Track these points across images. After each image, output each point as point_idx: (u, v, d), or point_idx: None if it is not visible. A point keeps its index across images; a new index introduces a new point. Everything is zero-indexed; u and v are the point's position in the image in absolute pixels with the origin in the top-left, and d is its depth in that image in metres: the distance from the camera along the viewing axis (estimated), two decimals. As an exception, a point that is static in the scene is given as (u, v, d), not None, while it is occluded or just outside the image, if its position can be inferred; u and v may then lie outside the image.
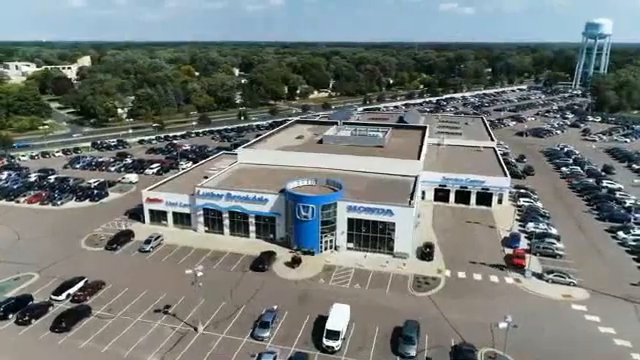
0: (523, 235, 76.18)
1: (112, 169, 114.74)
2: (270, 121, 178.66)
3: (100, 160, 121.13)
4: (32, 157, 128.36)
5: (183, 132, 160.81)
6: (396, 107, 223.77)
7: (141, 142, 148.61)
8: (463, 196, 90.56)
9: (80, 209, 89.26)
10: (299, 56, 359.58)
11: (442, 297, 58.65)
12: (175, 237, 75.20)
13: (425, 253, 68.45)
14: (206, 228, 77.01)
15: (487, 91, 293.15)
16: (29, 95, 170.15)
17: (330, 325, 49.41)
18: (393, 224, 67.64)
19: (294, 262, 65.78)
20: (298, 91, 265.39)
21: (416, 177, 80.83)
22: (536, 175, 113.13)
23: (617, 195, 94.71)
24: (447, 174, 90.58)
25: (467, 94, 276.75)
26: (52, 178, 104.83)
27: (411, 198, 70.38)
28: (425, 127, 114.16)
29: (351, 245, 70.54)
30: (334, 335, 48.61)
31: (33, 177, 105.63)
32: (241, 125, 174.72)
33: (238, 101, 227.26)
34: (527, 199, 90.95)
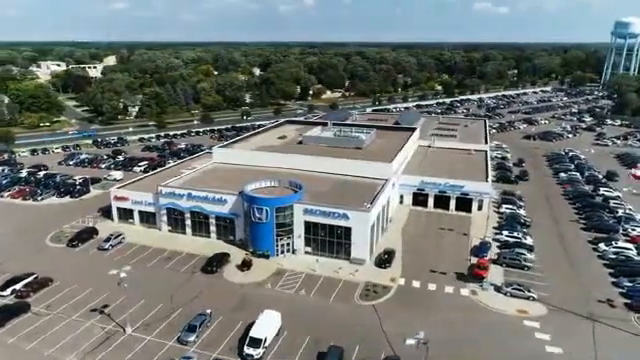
0: (496, 244, 72.40)
1: (102, 166, 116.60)
2: (273, 121, 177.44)
3: (92, 157, 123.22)
4: (33, 153, 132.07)
5: (184, 131, 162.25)
6: (407, 108, 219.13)
7: (141, 140, 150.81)
8: (442, 201, 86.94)
9: (59, 205, 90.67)
10: (321, 56, 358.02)
11: (387, 307, 55.97)
12: (138, 236, 75.10)
13: (383, 260, 65.75)
14: (169, 228, 76.65)
15: (507, 92, 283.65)
16: (41, 93, 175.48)
17: (253, 332, 47.81)
18: (350, 229, 65.35)
19: (244, 265, 64.42)
20: (311, 91, 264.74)
21: (386, 180, 78.05)
22: (531, 180, 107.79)
23: (611, 204, 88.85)
24: (426, 178, 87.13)
25: (484, 95, 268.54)
26: (41, 174, 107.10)
27: (371, 202, 67.66)
28: (414, 129, 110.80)
29: (309, 249, 68.59)
30: (256, 343, 46.93)
31: (24, 173, 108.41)
32: (243, 125, 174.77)
33: (248, 100, 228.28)
34: (510, 206, 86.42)
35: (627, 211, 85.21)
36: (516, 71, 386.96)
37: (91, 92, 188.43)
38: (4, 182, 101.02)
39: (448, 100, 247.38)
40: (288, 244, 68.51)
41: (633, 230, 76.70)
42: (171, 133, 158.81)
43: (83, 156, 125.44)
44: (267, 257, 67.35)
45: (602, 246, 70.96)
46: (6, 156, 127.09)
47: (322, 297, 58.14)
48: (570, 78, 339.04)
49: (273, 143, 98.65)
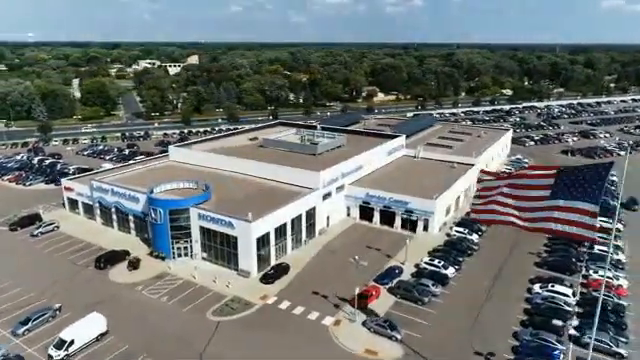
0: (413, 271, 64.27)
1: (106, 158, 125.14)
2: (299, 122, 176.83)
3: (103, 149, 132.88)
4: (64, 142, 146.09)
5: (207, 128, 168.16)
6: (453, 114, 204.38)
7: (165, 135, 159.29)
8: (388, 217, 79.34)
9: (39, 191, 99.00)
10: (397, 57, 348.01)
11: (231, 326, 52.34)
12: (74, 226, 79.10)
13: (269, 275, 61.72)
14: (102, 221, 79.70)
15: (584, 100, 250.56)
16: (94, 89, 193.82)
17: (62, 333, 47.61)
18: (237, 238, 62.38)
19: (130, 265, 64.64)
20: (364, 93, 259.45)
21: (311, 189, 73.28)
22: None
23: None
24: (371, 190, 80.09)
25: (554, 103, 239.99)
26: (46, 162, 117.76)
27: (269, 213, 63.74)
28: (397, 136, 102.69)
29: (205, 255, 66.83)
30: (61, 344, 46.66)
31: (35, 160, 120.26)
32: (268, 124, 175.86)
33: (293, 101, 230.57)
34: (462, 229, 75.99)
35: (610, 248, 70.28)
36: (616, 76, 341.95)
37: (139, 89, 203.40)
38: (15, 167, 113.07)
39: (508, 107, 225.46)
40: (186, 248, 67.38)
41: (595, 272, 62.86)
42: (194, 130, 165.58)
43: (100, 148, 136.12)
44: (163, 259, 66.96)
45: (536, 288, 59.28)
46: (41, 144, 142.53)
47: (179, 306, 56.18)
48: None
49: (237, 145, 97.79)
